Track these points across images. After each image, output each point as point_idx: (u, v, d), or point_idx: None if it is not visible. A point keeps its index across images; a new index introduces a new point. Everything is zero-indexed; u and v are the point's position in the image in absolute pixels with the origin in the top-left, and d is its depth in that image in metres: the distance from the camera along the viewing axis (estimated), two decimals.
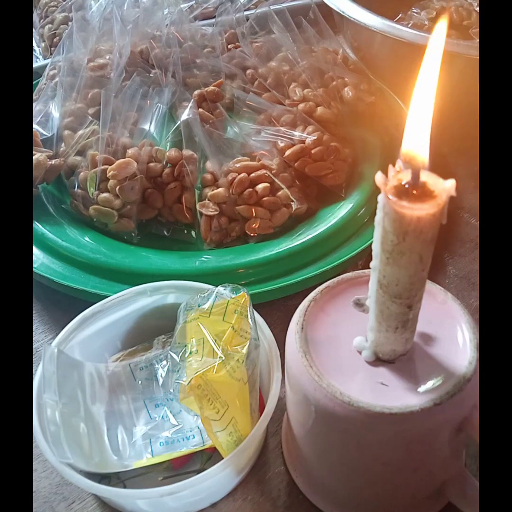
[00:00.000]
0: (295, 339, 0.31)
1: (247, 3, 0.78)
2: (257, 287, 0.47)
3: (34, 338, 0.48)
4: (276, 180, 0.53)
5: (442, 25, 0.23)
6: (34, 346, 0.48)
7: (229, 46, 0.69)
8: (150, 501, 0.35)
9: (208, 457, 0.38)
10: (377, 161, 0.56)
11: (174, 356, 0.37)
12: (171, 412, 0.40)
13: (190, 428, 0.39)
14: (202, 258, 0.50)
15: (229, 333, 0.36)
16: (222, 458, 0.33)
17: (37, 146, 0.55)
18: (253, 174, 0.52)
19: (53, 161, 0.54)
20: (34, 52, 0.80)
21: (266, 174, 0.52)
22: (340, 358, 0.31)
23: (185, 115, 0.56)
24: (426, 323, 0.31)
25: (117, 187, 0.50)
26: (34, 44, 0.81)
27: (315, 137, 0.55)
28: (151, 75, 0.63)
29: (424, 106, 0.23)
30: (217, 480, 0.35)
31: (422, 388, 0.29)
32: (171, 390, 0.40)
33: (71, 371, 0.38)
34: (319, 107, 0.58)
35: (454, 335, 0.31)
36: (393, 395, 0.29)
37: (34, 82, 0.64)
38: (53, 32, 0.79)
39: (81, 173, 0.53)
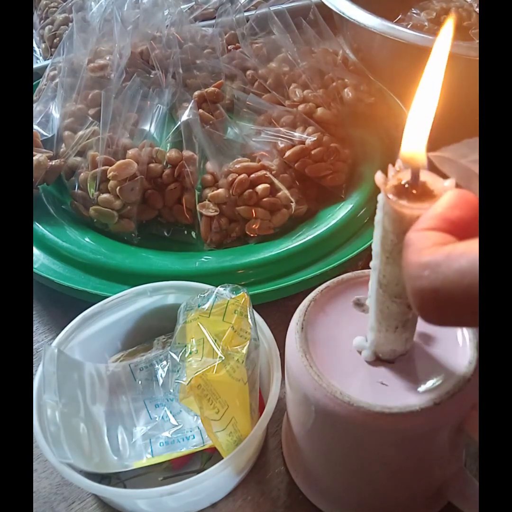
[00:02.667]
0: (295, 339, 0.31)
1: (247, 4, 0.78)
2: (257, 288, 0.47)
3: (34, 339, 0.48)
4: (276, 181, 0.53)
5: (448, 28, 0.24)
6: (34, 347, 0.48)
7: (229, 47, 0.69)
8: (150, 501, 0.35)
9: (208, 457, 0.38)
10: (377, 162, 0.56)
11: (174, 356, 0.37)
12: (171, 412, 0.40)
13: (190, 428, 0.39)
14: (202, 259, 0.50)
15: (229, 333, 0.36)
16: (222, 458, 0.33)
17: (37, 146, 0.55)
18: (253, 175, 0.52)
19: (53, 162, 0.54)
20: (34, 53, 0.80)
21: (266, 175, 0.52)
22: (340, 358, 0.31)
23: (185, 116, 0.56)
24: (426, 323, 0.31)
25: (118, 188, 0.50)
26: (34, 45, 0.81)
27: (315, 138, 0.55)
28: (151, 76, 0.63)
29: (426, 108, 0.24)
30: (217, 480, 0.35)
31: (422, 388, 0.29)
32: (171, 390, 0.40)
33: (71, 371, 0.38)
34: (319, 108, 0.58)
35: (454, 335, 0.31)
36: (393, 395, 0.29)
37: (34, 83, 0.64)
38: (53, 33, 0.79)
39: (82, 174, 0.53)
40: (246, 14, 0.71)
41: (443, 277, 0.19)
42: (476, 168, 0.22)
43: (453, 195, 0.22)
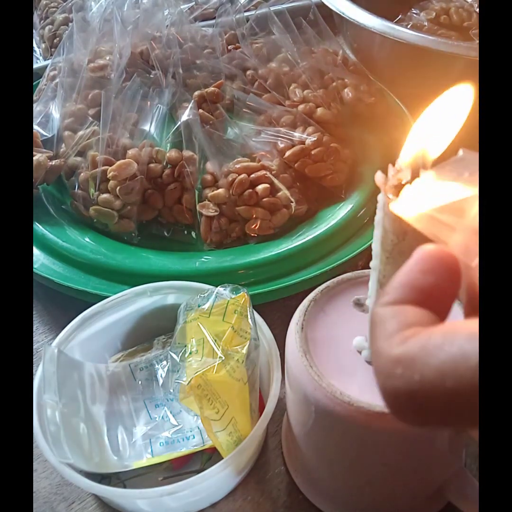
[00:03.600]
0: (295, 339, 0.31)
1: (247, 4, 0.77)
2: (257, 288, 0.47)
3: (34, 339, 0.48)
4: (276, 181, 0.53)
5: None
6: (34, 347, 0.48)
7: (229, 47, 0.69)
8: (150, 501, 0.35)
9: (208, 457, 0.38)
10: (377, 162, 0.56)
11: (174, 356, 0.37)
12: (171, 412, 0.40)
13: (190, 428, 0.39)
14: (202, 259, 0.50)
15: (229, 333, 0.36)
16: (222, 458, 0.33)
17: (37, 147, 0.55)
18: (253, 175, 0.52)
19: (53, 162, 0.54)
20: (34, 53, 0.80)
21: (266, 175, 0.52)
22: (340, 358, 0.31)
23: (185, 116, 0.56)
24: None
25: (118, 188, 0.50)
26: (34, 45, 0.81)
27: (315, 138, 0.55)
28: (151, 76, 0.63)
29: (441, 128, 0.23)
30: (217, 480, 0.35)
31: None
32: (171, 390, 0.40)
33: (71, 371, 0.38)
34: (319, 108, 0.58)
35: None
36: None
37: (34, 83, 0.64)
38: (54, 33, 0.79)
39: (82, 174, 0.53)
40: (246, 14, 0.71)
41: (420, 378, 0.16)
42: (445, 218, 0.19)
43: (425, 255, 0.19)
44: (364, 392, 0.29)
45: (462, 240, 0.19)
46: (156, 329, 0.43)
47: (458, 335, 0.16)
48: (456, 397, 0.16)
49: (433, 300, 0.19)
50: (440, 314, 0.19)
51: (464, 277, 0.19)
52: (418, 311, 0.18)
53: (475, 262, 0.18)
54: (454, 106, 0.22)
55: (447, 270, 0.19)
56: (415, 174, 0.23)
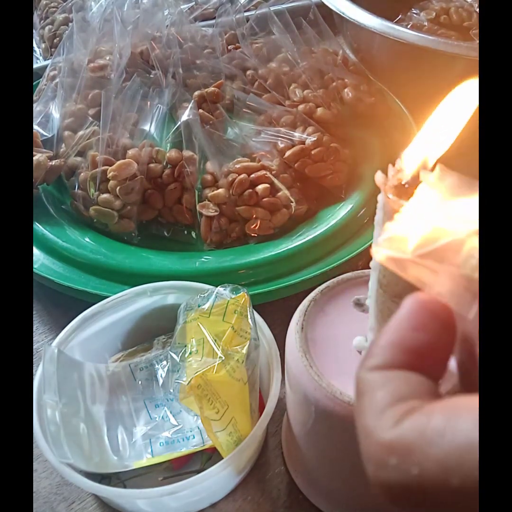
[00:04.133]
0: (295, 339, 0.31)
1: (247, 4, 0.78)
2: (257, 288, 0.47)
3: (34, 339, 0.48)
4: (276, 181, 0.53)
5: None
6: (34, 347, 0.48)
7: (229, 47, 0.69)
8: (150, 501, 0.35)
9: (208, 457, 0.38)
10: (377, 162, 0.56)
11: (174, 356, 0.37)
12: (171, 412, 0.40)
13: (190, 428, 0.39)
14: (202, 259, 0.50)
15: (229, 333, 0.36)
16: (222, 458, 0.33)
17: (37, 147, 0.55)
18: (253, 175, 0.52)
19: (53, 162, 0.54)
20: (34, 53, 0.80)
21: (266, 175, 0.52)
22: (340, 358, 0.31)
23: (185, 116, 0.56)
24: None
25: (118, 188, 0.50)
26: (34, 45, 0.81)
27: (315, 138, 0.55)
28: (151, 76, 0.64)
29: (444, 131, 0.23)
30: (217, 480, 0.35)
31: None
32: (171, 390, 0.40)
33: (71, 371, 0.38)
34: (319, 108, 0.58)
35: None
36: None
37: (34, 83, 0.64)
38: (54, 33, 0.79)
39: (82, 174, 0.53)
40: (246, 14, 0.71)
41: (419, 472, 0.14)
42: (427, 263, 0.17)
43: (414, 307, 0.17)
44: None
45: (451, 287, 0.17)
46: (156, 329, 0.43)
47: (462, 419, 0.14)
48: (461, 496, 0.14)
49: (426, 361, 0.16)
50: (435, 376, 0.17)
51: (458, 330, 0.17)
52: (411, 378, 0.16)
53: (471, 313, 0.17)
54: (460, 104, 0.22)
55: (441, 325, 0.17)
56: (415, 176, 0.23)
